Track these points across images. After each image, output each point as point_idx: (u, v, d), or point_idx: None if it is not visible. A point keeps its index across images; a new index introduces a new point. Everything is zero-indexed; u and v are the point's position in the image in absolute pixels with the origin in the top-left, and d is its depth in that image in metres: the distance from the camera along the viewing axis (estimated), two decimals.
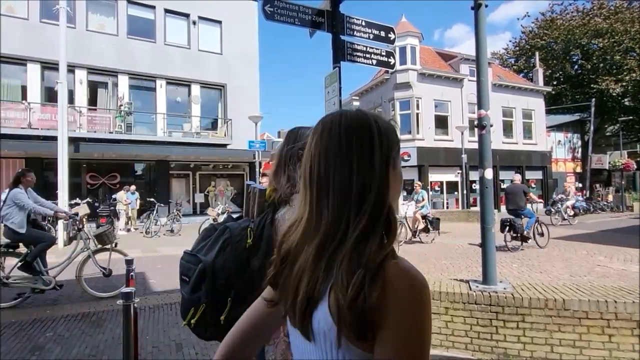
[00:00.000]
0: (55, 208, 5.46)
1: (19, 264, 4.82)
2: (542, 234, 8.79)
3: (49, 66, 13.90)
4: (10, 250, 4.88)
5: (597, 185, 26.04)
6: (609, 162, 24.77)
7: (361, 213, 0.65)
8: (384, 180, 0.67)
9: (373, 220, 0.65)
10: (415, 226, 9.98)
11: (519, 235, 8.27)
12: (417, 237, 9.91)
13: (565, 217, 14.15)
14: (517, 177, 9.29)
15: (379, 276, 0.60)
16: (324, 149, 0.69)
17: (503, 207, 14.02)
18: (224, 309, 1.12)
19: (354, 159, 0.66)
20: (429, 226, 9.99)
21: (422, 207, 10.09)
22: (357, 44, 3.95)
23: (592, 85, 27.62)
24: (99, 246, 5.26)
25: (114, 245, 5.32)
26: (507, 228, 8.22)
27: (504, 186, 22.54)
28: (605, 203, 22.21)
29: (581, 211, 18.36)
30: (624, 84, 26.35)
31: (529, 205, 8.82)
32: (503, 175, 22.63)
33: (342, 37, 3.78)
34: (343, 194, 0.66)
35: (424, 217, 10.02)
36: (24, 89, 14.19)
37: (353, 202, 0.65)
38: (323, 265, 0.65)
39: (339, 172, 0.66)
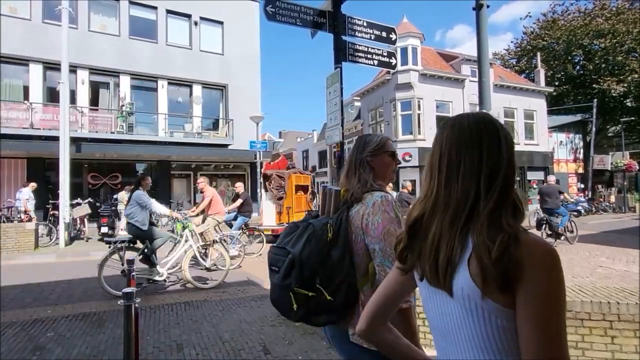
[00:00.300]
0: (170, 209, 6.23)
1: (139, 257, 5.43)
2: (572, 231, 9.24)
3: (51, 66, 13.92)
4: (131, 245, 5.49)
5: (599, 186, 25.96)
6: (611, 163, 24.68)
7: (491, 192, 0.77)
8: (511, 167, 0.80)
9: (501, 199, 0.77)
10: None
11: (554, 232, 8.79)
12: None
13: None
14: (552, 178, 9.84)
15: (518, 241, 0.71)
16: (455, 139, 0.83)
17: None
18: (311, 294, 1.30)
19: (484, 147, 0.80)
20: None
21: None
22: (359, 45, 3.94)
23: (594, 86, 27.55)
24: (202, 243, 5.91)
25: (212, 242, 5.99)
26: (544, 226, 8.80)
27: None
28: (607, 204, 22.14)
29: (582, 213, 18.29)
30: (626, 84, 26.28)
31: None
32: None
33: (344, 38, 3.77)
34: (472, 175, 0.79)
35: None
36: (26, 89, 14.23)
37: (483, 182, 0.78)
38: (457, 232, 0.78)
39: (469, 158, 0.80)
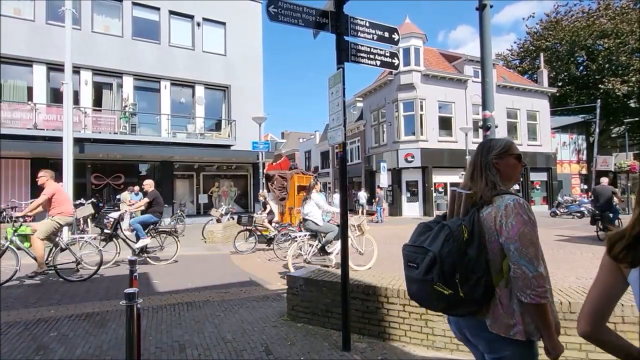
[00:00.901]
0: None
1: (316, 248, 6.57)
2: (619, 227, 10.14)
3: (54, 67, 14.02)
4: (310, 238, 6.62)
5: None
6: (615, 164, 24.55)
7: None
8: None
9: None
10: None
11: (607, 227, 9.56)
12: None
13: None
14: (605, 180, 10.71)
15: None
16: None
17: None
18: (453, 287, 1.42)
19: None
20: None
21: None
22: (361, 45, 3.93)
23: (599, 86, 27.42)
24: (358, 233, 6.99)
25: (363, 231, 7.07)
26: (598, 222, 9.99)
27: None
28: None
29: (586, 214, 18.14)
30: (630, 84, 26.14)
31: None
32: None
33: (346, 38, 3.77)
34: None
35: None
36: (29, 90, 14.32)
37: None
38: None
39: None
